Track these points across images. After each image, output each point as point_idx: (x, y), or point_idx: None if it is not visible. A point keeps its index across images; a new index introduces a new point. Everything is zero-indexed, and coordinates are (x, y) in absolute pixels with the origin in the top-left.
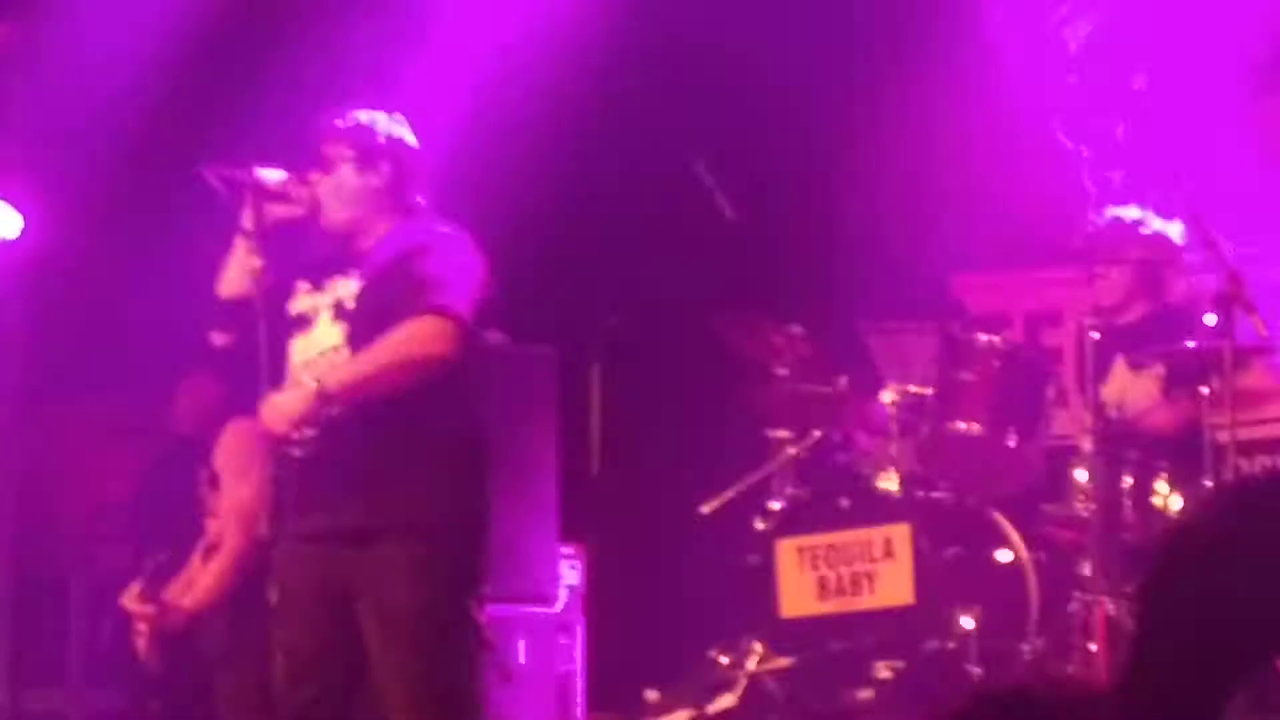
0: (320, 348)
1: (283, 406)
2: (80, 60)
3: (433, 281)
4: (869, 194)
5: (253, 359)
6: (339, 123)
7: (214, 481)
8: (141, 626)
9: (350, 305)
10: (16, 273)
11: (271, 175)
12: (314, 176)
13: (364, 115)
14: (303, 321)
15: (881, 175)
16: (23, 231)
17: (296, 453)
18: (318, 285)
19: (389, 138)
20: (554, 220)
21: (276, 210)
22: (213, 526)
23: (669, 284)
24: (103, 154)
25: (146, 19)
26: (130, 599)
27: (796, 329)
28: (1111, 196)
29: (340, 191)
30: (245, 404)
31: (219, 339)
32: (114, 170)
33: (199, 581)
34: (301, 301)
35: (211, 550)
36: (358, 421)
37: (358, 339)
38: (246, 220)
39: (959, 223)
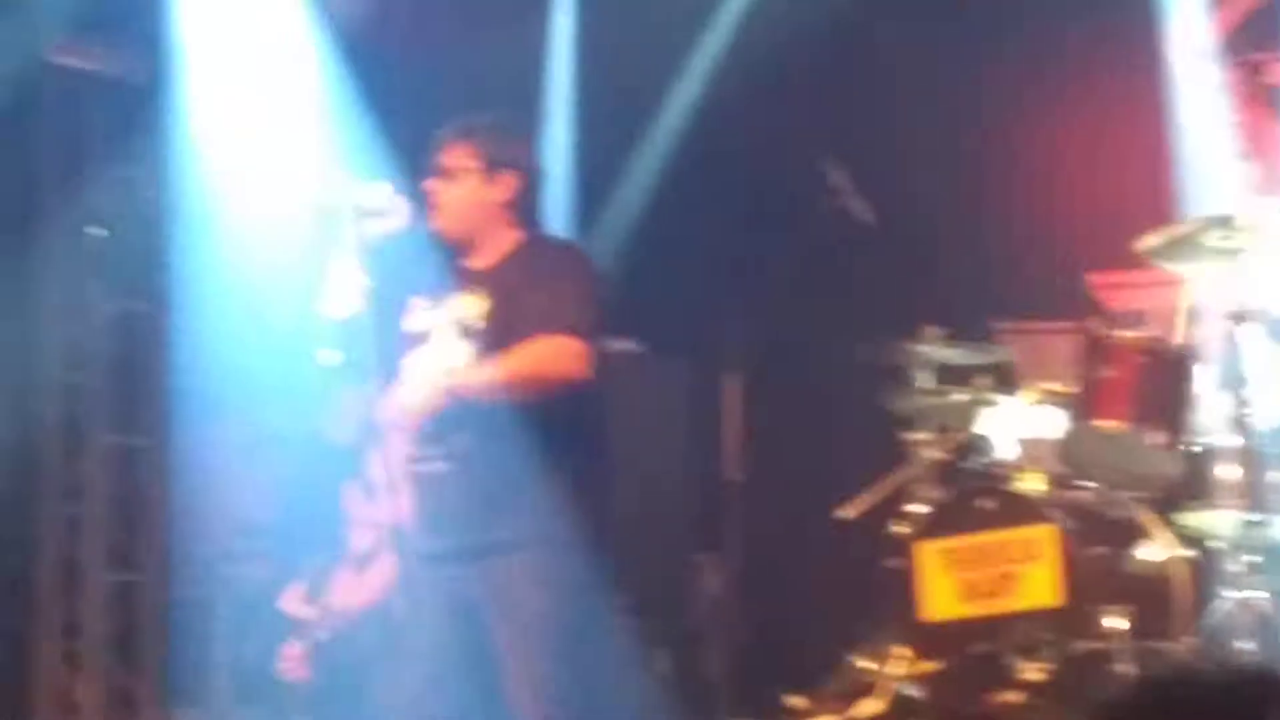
0: (444, 365)
1: (415, 394)
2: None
3: (561, 300)
4: (1006, 193)
5: (364, 376)
6: (464, 132)
7: (369, 490)
8: (299, 631)
9: (477, 323)
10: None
11: (370, 191)
12: (433, 185)
13: (489, 124)
14: (418, 337)
15: (1018, 174)
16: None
17: (427, 469)
18: (433, 302)
19: (515, 149)
20: (690, 227)
21: (379, 225)
22: (367, 535)
23: (804, 290)
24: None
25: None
26: (291, 602)
27: (933, 330)
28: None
29: (462, 203)
30: None
31: (328, 357)
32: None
33: (354, 589)
34: (419, 318)
35: (366, 558)
36: (489, 437)
37: (486, 356)
38: (349, 238)
39: (1097, 220)
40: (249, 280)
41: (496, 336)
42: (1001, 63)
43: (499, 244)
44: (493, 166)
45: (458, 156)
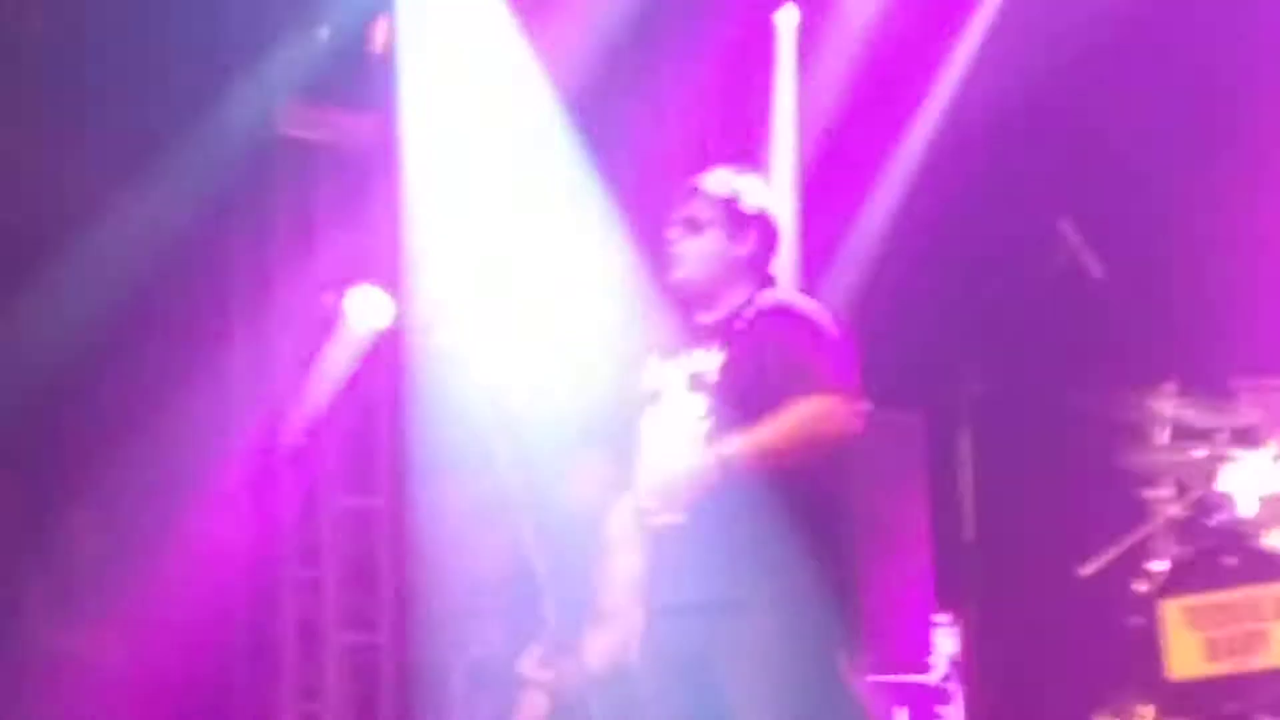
0: (676, 419)
1: (686, 467)
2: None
3: (817, 360)
4: (1241, 247)
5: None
6: (713, 185)
7: (607, 552)
8: (537, 694)
9: (712, 378)
10: (386, 358)
11: None
12: (675, 235)
13: (738, 179)
14: (653, 393)
15: (1254, 228)
16: (392, 318)
17: (664, 522)
18: (668, 356)
19: (760, 207)
20: (920, 283)
21: None
22: (604, 597)
23: (1037, 345)
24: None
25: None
26: (529, 665)
27: (1171, 387)
28: None
29: (706, 257)
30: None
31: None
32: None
33: (600, 648)
34: (652, 374)
35: (603, 619)
36: (727, 492)
37: (722, 412)
38: None
39: None
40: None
41: (732, 392)
42: (1240, 113)
43: (734, 299)
44: (738, 221)
45: (704, 209)
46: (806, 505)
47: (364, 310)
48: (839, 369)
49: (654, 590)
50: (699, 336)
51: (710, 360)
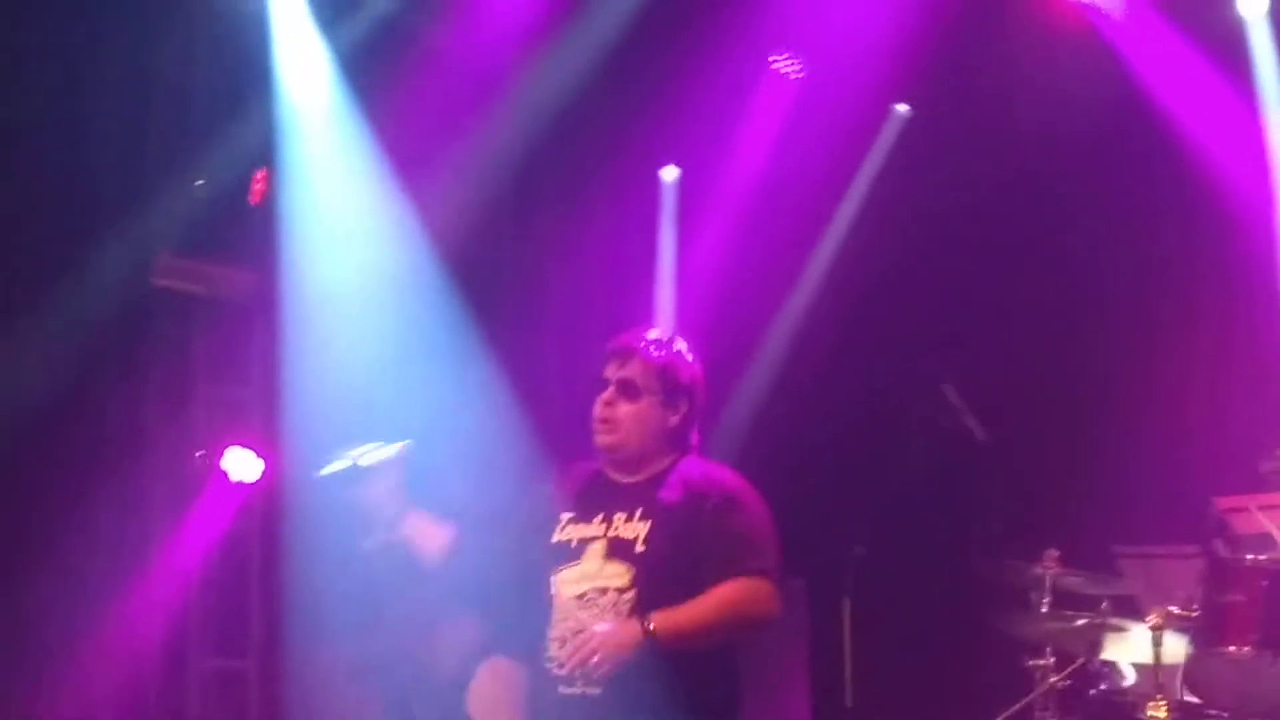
0: (596, 584)
1: (616, 639)
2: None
3: (750, 540)
4: (1122, 416)
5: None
6: (652, 351)
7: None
8: None
9: (640, 548)
10: (257, 515)
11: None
12: (609, 397)
13: (674, 347)
14: (566, 551)
15: (1135, 399)
16: (262, 475)
17: (575, 692)
18: (584, 516)
19: (692, 377)
20: (801, 449)
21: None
22: None
23: (919, 511)
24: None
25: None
26: None
27: (1053, 554)
28: None
29: (640, 423)
30: (503, 644)
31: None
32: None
33: None
34: (565, 531)
35: None
36: (646, 667)
37: (650, 583)
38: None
39: (1221, 443)
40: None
41: (661, 563)
42: (1124, 288)
43: (658, 465)
44: (673, 390)
45: (642, 374)
46: (710, 682)
47: (237, 467)
48: (770, 551)
49: None
50: (618, 500)
51: (633, 529)
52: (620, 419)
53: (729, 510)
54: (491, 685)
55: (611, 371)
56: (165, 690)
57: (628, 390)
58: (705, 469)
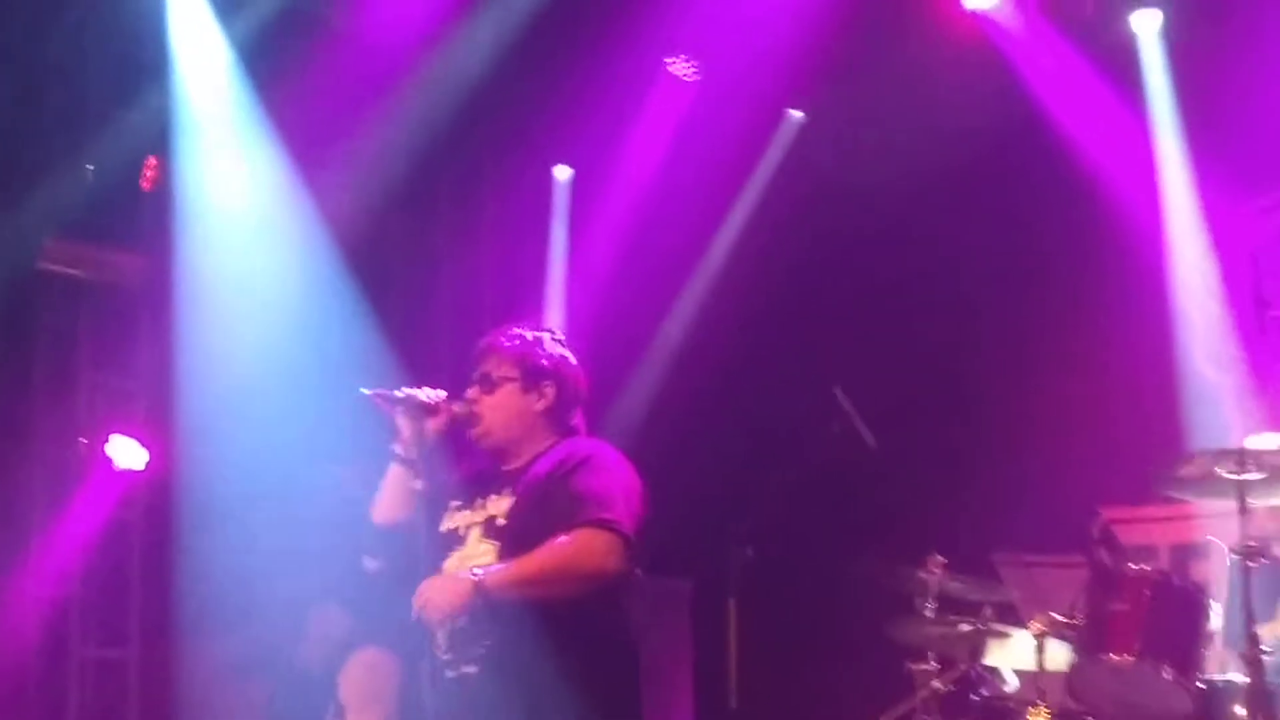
0: (470, 563)
1: (443, 591)
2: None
3: (594, 495)
4: (1008, 426)
5: (404, 581)
6: (505, 342)
7: (340, 714)
8: None
9: (501, 522)
10: (141, 504)
11: (425, 396)
12: (473, 394)
13: (529, 334)
14: (454, 539)
15: (1020, 411)
16: (147, 464)
17: (456, 674)
18: (469, 503)
19: (553, 359)
20: (691, 451)
21: (435, 424)
22: None
23: (807, 515)
24: (232, 385)
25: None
26: None
27: (939, 560)
28: (1255, 424)
29: (502, 412)
30: (373, 635)
31: (372, 564)
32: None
33: None
34: (452, 519)
35: None
36: (518, 642)
37: (511, 553)
38: (401, 447)
39: (1106, 454)
40: (241, 486)
41: (517, 532)
42: (1010, 297)
43: (536, 450)
44: (533, 376)
45: (498, 366)
46: (596, 656)
47: (122, 455)
48: (616, 505)
49: None
50: (498, 483)
51: (500, 506)
52: (482, 412)
53: (580, 469)
54: (364, 675)
55: (475, 369)
56: (45, 677)
57: (485, 383)
58: (574, 444)
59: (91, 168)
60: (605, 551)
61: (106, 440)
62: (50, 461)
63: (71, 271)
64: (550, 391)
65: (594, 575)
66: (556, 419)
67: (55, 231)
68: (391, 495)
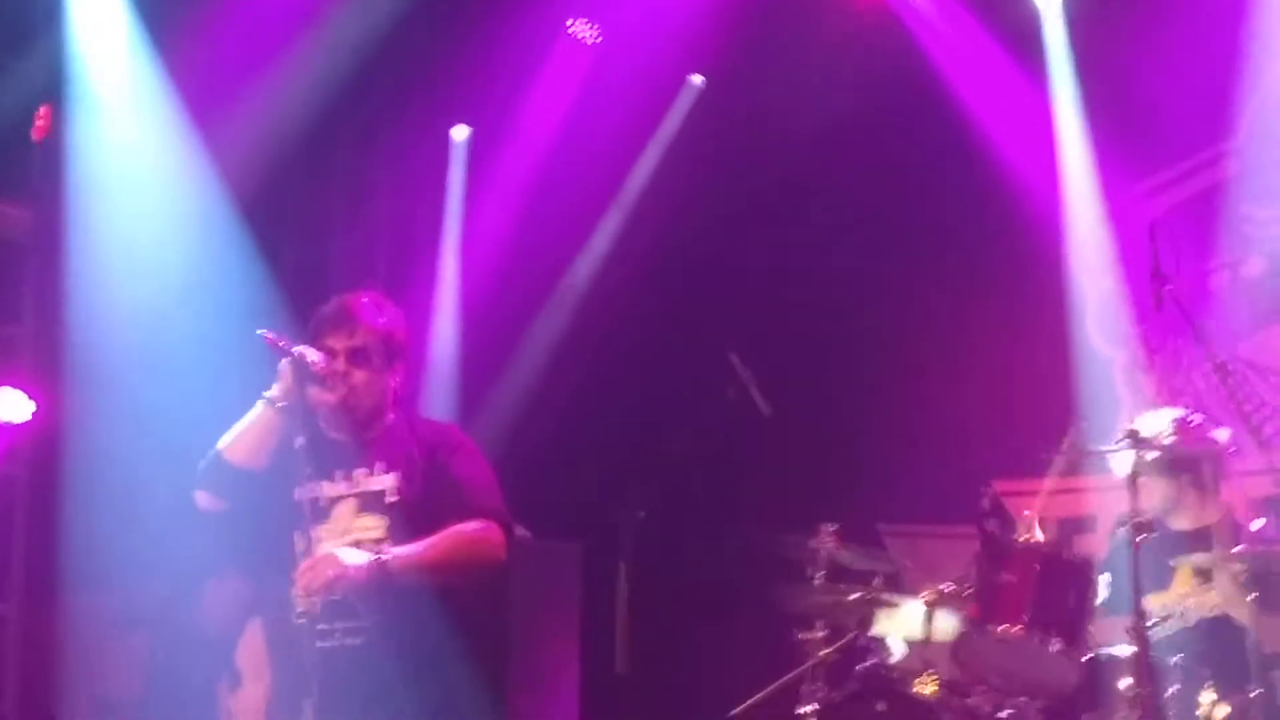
0: (353, 536)
1: (343, 561)
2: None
3: (479, 484)
4: (901, 396)
5: (239, 529)
6: (376, 318)
7: (235, 680)
8: None
9: (391, 498)
10: (26, 457)
11: (312, 356)
12: (341, 365)
13: (391, 310)
14: (316, 509)
15: (917, 378)
16: (33, 415)
17: (333, 644)
18: (325, 473)
19: (405, 336)
20: (582, 413)
21: (316, 394)
22: None
23: (701, 479)
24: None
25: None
26: None
27: (829, 528)
28: (1146, 400)
29: (371, 385)
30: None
31: (207, 502)
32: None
33: None
34: (309, 489)
35: None
36: (398, 616)
37: (404, 530)
38: (281, 393)
39: (997, 427)
40: (131, 442)
41: (411, 511)
42: (906, 269)
43: (384, 421)
44: (394, 354)
45: (368, 341)
46: (471, 637)
47: (7, 408)
48: (497, 496)
49: (318, 712)
50: (359, 456)
51: (380, 481)
52: (356, 385)
53: (458, 456)
54: (257, 642)
55: (339, 341)
56: None
57: (358, 356)
58: (426, 423)
59: None
60: (500, 543)
61: None
62: None
63: None
64: (401, 368)
65: (490, 565)
66: (399, 394)
67: None
68: (253, 438)
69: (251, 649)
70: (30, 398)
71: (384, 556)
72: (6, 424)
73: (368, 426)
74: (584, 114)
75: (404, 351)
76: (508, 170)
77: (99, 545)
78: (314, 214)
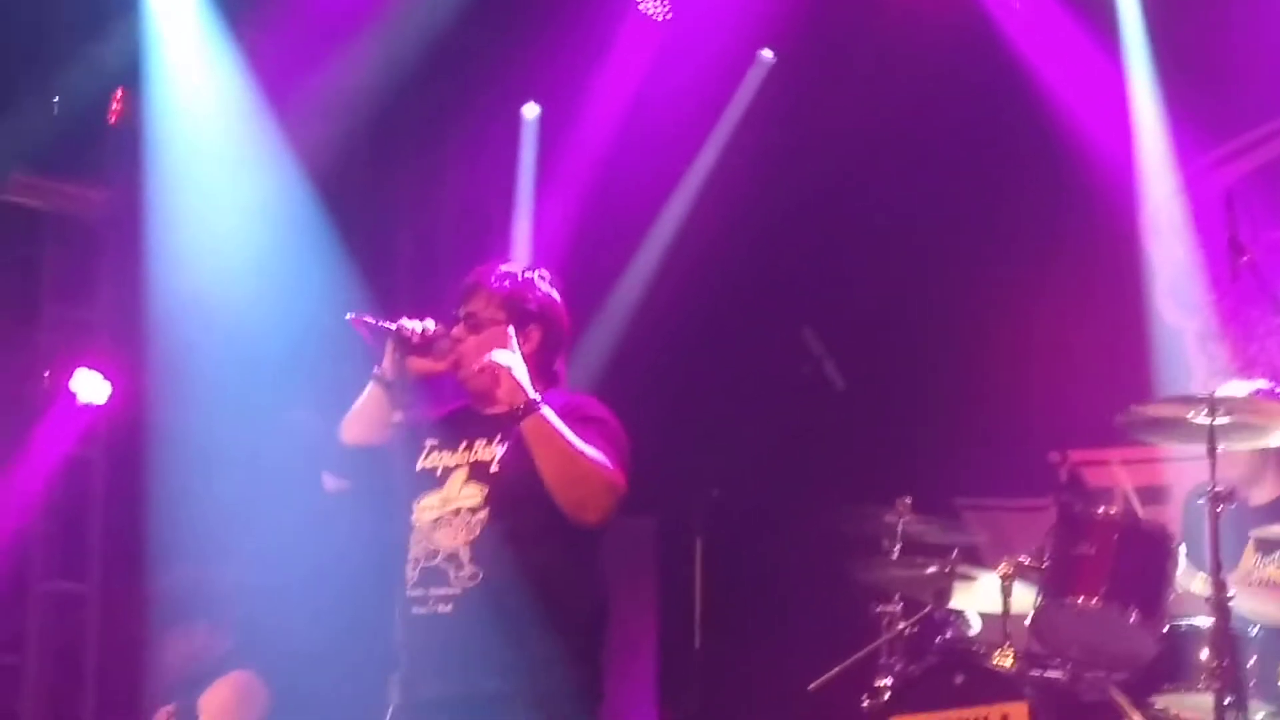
0: (454, 506)
1: (514, 366)
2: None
3: (602, 440)
4: (977, 368)
5: (365, 508)
6: (495, 282)
7: (185, 717)
8: None
9: (494, 469)
10: (103, 439)
11: (418, 326)
12: (459, 333)
13: (519, 275)
14: (431, 479)
15: (989, 351)
16: (110, 398)
17: (427, 611)
18: (448, 445)
19: (541, 302)
20: (658, 390)
21: (418, 364)
22: None
23: (776, 455)
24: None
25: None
26: None
27: (905, 502)
28: (1220, 369)
29: (483, 350)
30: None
31: (332, 483)
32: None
33: None
34: (429, 459)
35: None
36: (495, 585)
37: (501, 500)
38: (388, 369)
39: (1073, 397)
40: (210, 425)
41: (511, 480)
42: (980, 240)
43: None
44: (520, 319)
45: (485, 306)
46: (572, 605)
47: (83, 389)
48: (622, 457)
49: (410, 684)
50: (482, 427)
51: (490, 451)
52: (466, 351)
53: (587, 422)
54: (228, 696)
55: (461, 308)
56: (4, 611)
57: (472, 323)
58: (567, 396)
59: (58, 100)
60: (617, 492)
61: (69, 374)
62: (12, 395)
63: (36, 204)
64: (536, 335)
65: (600, 500)
66: (540, 364)
67: (21, 164)
68: (365, 415)
69: (219, 700)
70: (107, 379)
71: (538, 399)
72: (84, 406)
73: (494, 396)
74: (654, 91)
75: (540, 319)
76: (578, 148)
77: (176, 527)
78: (384, 195)
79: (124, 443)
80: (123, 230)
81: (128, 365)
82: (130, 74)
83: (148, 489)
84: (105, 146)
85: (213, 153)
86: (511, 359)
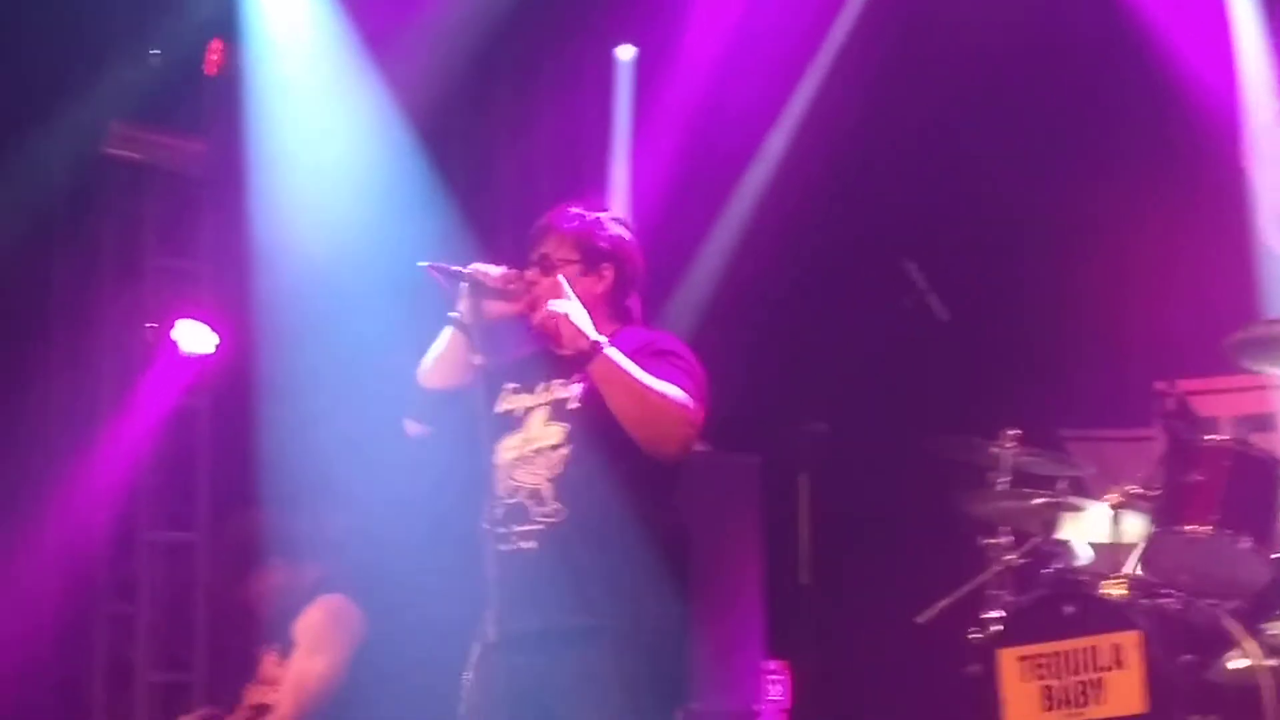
0: (536, 445)
1: (574, 313)
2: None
3: (680, 374)
4: (1080, 298)
5: (448, 452)
6: (564, 223)
7: (285, 649)
8: None
9: (573, 405)
10: (210, 389)
11: (492, 271)
12: (532, 275)
13: (589, 215)
14: (511, 421)
15: (1093, 281)
16: (216, 348)
17: (512, 548)
18: (527, 387)
19: (613, 241)
20: (761, 323)
21: (494, 307)
22: (269, 693)
23: (879, 389)
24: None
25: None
26: None
27: (1011, 434)
28: None
29: (557, 292)
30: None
31: (414, 429)
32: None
33: None
34: (508, 401)
35: (260, 713)
36: (579, 520)
37: (582, 437)
38: (465, 314)
39: (1179, 325)
40: (314, 372)
41: (592, 417)
42: (1082, 169)
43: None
44: (592, 257)
45: (557, 247)
46: (652, 541)
47: (188, 340)
48: (699, 394)
49: (501, 619)
50: (559, 368)
51: (569, 390)
52: (540, 294)
53: (664, 361)
54: (323, 619)
55: (535, 250)
56: (113, 559)
57: (544, 264)
58: (642, 332)
59: (156, 52)
60: (694, 425)
61: (174, 325)
62: (118, 345)
63: (136, 156)
64: (609, 274)
65: (677, 434)
66: (614, 302)
67: (120, 116)
68: (444, 360)
69: (312, 625)
70: (213, 330)
71: (602, 340)
72: (190, 356)
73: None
74: (750, 26)
75: (612, 257)
76: (675, 88)
77: (283, 474)
78: (481, 140)
79: (230, 392)
80: (223, 180)
81: (231, 315)
82: (226, 24)
83: (254, 438)
84: (203, 97)
85: (311, 99)
86: (569, 305)
